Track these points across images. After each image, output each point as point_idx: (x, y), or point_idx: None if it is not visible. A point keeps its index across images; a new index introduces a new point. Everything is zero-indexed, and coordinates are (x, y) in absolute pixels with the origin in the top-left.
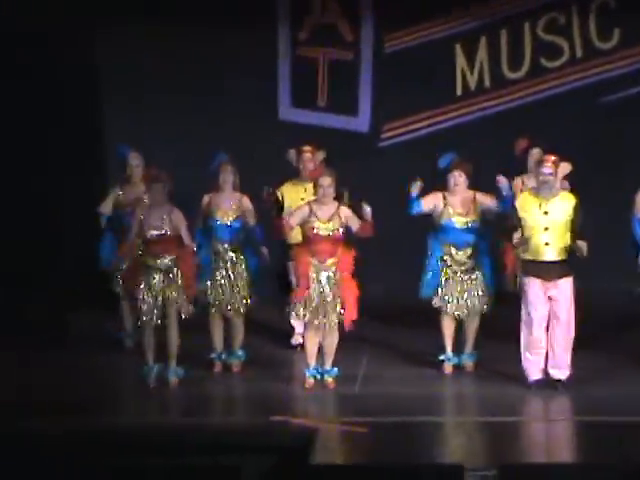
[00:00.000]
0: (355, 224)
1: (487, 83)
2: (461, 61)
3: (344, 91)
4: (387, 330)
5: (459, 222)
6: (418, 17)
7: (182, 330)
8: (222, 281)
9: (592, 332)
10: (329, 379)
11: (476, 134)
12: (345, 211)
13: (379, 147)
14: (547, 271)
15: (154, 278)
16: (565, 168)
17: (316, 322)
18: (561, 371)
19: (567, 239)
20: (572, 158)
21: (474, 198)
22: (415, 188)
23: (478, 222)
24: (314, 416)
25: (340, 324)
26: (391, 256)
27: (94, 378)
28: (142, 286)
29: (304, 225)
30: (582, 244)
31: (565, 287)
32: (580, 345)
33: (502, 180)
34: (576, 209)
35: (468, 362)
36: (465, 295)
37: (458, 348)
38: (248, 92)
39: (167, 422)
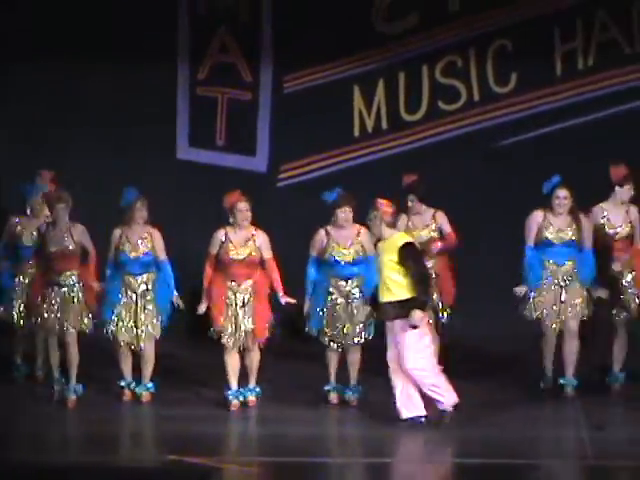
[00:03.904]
0: (267, 254)
1: (384, 125)
2: (359, 103)
3: (243, 131)
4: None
5: (343, 256)
6: (317, 58)
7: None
8: (130, 313)
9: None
10: (251, 397)
11: (373, 175)
12: (261, 237)
13: (277, 187)
14: (385, 312)
15: (56, 294)
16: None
17: (234, 344)
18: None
19: (397, 280)
20: (467, 201)
21: (359, 233)
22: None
23: (363, 254)
24: (208, 455)
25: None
26: (288, 291)
27: None
28: (44, 302)
29: (219, 249)
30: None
31: (399, 328)
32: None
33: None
34: (400, 252)
35: (351, 397)
36: (345, 327)
37: (343, 381)
38: (148, 130)
39: (66, 460)
